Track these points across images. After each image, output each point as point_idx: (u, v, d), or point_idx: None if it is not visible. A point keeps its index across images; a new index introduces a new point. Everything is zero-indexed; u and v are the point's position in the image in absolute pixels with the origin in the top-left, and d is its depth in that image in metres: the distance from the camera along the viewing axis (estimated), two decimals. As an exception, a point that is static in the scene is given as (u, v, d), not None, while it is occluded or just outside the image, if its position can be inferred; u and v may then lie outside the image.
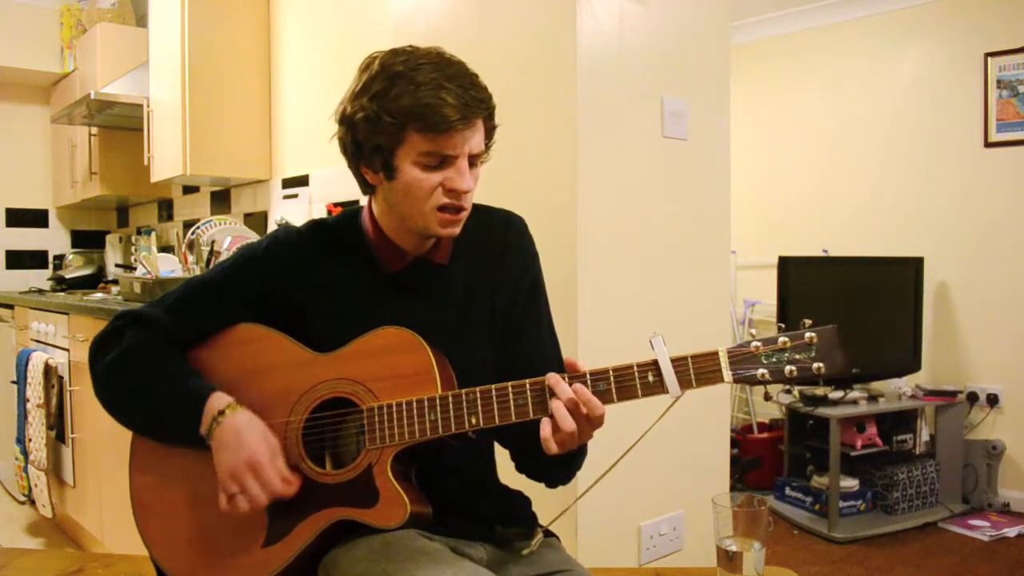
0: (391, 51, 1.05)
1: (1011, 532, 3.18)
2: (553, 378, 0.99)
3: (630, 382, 0.98)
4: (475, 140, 1.04)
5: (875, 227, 4.01)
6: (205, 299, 1.14)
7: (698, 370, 0.96)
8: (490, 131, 1.09)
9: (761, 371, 0.95)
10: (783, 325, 0.97)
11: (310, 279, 1.13)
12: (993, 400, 3.59)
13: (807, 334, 0.95)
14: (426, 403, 1.02)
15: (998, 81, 3.61)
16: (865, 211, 4.06)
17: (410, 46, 1.06)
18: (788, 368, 0.95)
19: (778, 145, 4.44)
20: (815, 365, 0.94)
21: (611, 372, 0.99)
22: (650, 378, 0.97)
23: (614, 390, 0.98)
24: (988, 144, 3.64)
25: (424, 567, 0.95)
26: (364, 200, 1.18)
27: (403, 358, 1.05)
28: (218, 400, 1.05)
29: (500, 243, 1.19)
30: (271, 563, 1.05)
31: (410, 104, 0.99)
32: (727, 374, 0.95)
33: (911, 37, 3.91)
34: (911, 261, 3.66)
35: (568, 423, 0.96)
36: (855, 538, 3.13)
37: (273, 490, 1.02)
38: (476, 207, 1.19)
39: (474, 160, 1.06)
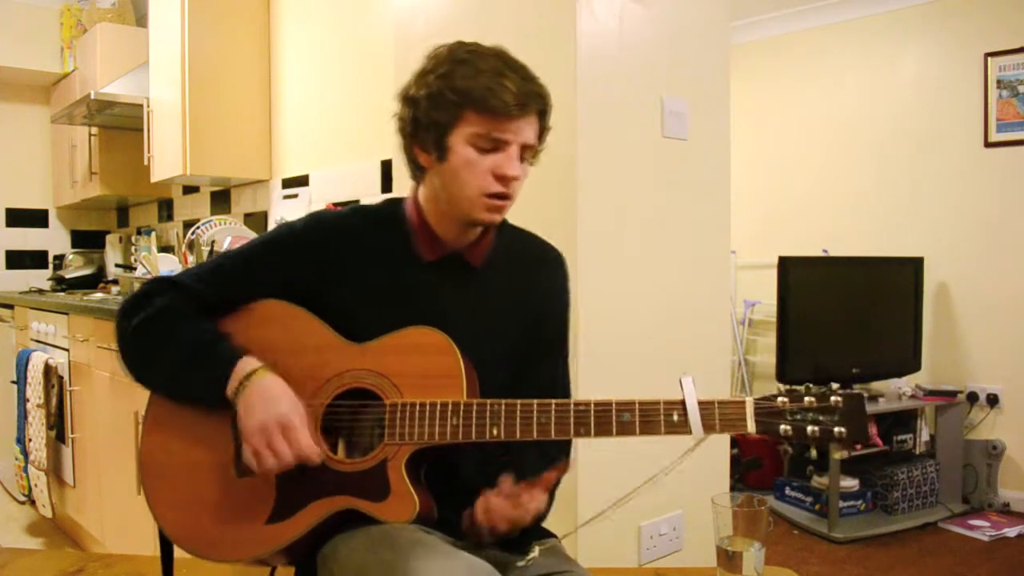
0: (459, 42, 1.11)
1: (1011, 532, 3.18)
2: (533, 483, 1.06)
3: (655, 418, 0.99)
4: (528, 131, 1.08)
5: (875, 227, 4.01)
6: (238, 272, 1.16)
7: (723, 416, 0.97)
8: (543, 131, 1.12)
9: (784, 427, 0.97)
10: (811, 385, 0.99)
11: (343, 262, 1.14)
12: (993, 400, 3.59)
13: (833, 397, 0.97)
14: (450, 407, 1.03)
15: (998, 81, 3.61)
16: (865, 211, 4.06)
17: (476, 43, 1.11)
18: (811, 428, 0.96)
19: (778, 145, 4.44)
20: (837, 429, 0.96)
21: (637, 404, 1.00)
22: (675, 417, 0.98)
23: (638, 423, 0.99)
24: (988, 144, 3.64)
25: (423, 558, 0.95)
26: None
27: (433, 359, 1.06)
28: (248, 363, 1.07)
29: (536, 270, 1.23)
30: (272, 540, 1.06)
31: (471, 86, 1.04)
32: (751, 424, 0.97)
33: (911, 37, 3.91)
34: (911, 261, 3.66)
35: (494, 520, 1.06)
36: (855, 538, 3.13)
37: (301, 450, 1.02)
38: (519, 229, 1.25)
39: (524, 154, 1.09)
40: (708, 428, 0.97)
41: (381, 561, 0.96)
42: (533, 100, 1.07)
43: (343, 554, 1.02)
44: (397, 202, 1.20)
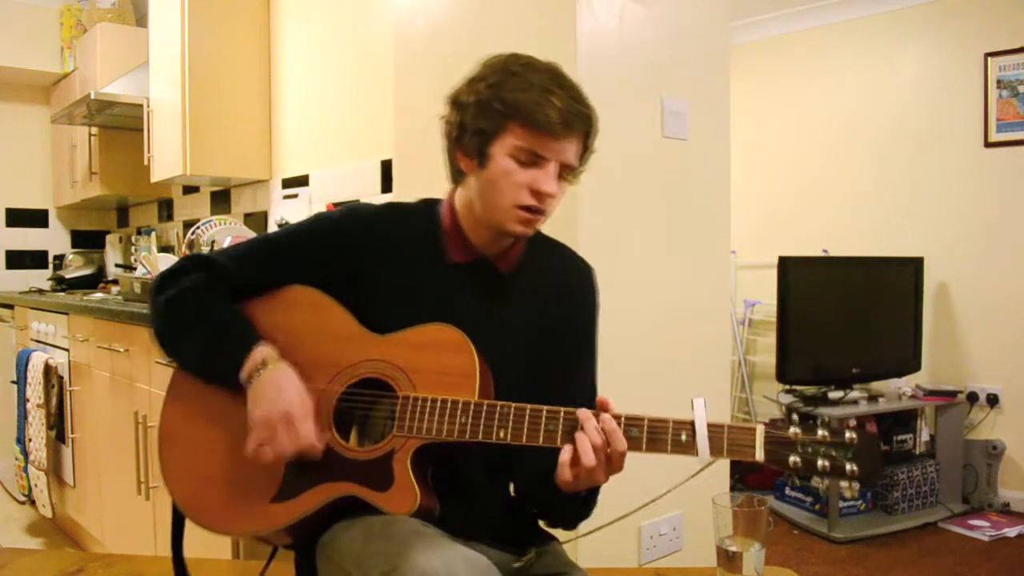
0: (514, 54, 1.12)
1: (1011, 532, 3.18)
2: (585, 414, 1.01)
3: (663, 436, 0.99)
4: (570, 151, 1.09)
5: (875, 227, 4.01)
6: (271, 256, 1.19)
7: (732, 441, 0.96)
8: (585, 153, 1.13)
9: (793, 458, 0.95)
10: (826, 419, 0.97)
11: (373, 255, 1.17)
12: (993, 400, 3.59)
13: (848, 434, 0.94)
14: (460, 406, 1.04)
15: (998, 81, 3.61)
16: (865, 211, 4.07)
17: (534, 57, 1.12)
18: (821, 463, 0.94)
19: (778, 145, 4.44)
20: (849, 467, 0.94)
21: (646, 421, 1.00)
22: (683, 437, 0.98)
23: (645, 439, 0.99)
24: (988, 144, 3.64)
25: (420, 548, 0.96)
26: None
27: (449, 357, 1.07)
28: (262, 352, 1.08)
29: (565, 281, 1.24)
30: (275, 519, 1.08)
31: (519, 99, 1.05)
32: (759, 452, 0.95)
33: (911, 37, 3.91)
34: (911, 261, 3.66)
35: (589, 458, 0.98)
36: (855, 538, 3.13)
37: (301, 444, 1.04)
38: (551, 239, 1.26)
39: (564, 172, 1.10)
40: (715, 452, 0.96)
41: (378, 551, 0.97)
42: (578, 121, 1.07)
43: (342, 542, 1.03)
44: (433, 203, 1.22)
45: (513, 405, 1.03)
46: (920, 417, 3.53)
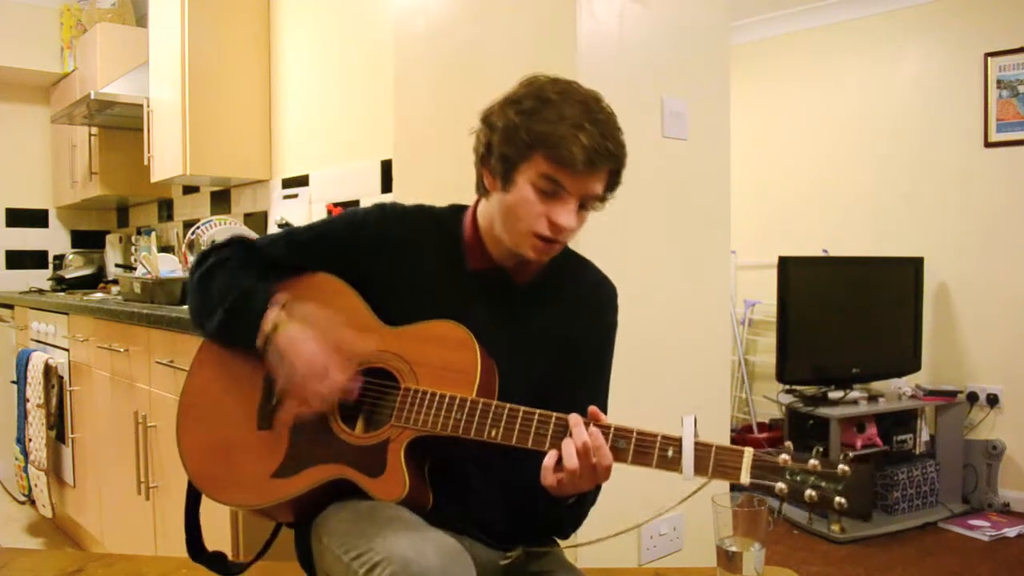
0: (554, 78, 1.12)
1: (1011, 532, 3.19)
2: (574, 419, 1.02)
3: (649, 450, 0.99)
4: (594, 186, 1.10)
5: (875, 227, 4.01)
6: (305, 244, 1.25)
7: (718, 462, 0.96)
8: (612, 183, 1.14)
9: (780, 485, 0.94)
10: (821, 448, 0.95)
11: (397, 254, 1.20)
12: (993, 400, 3.59)
13: (841, 467, 0.93)
14: (456, 401, 1.06)
15: (998, 81, 3.61)
16: (865, 211, 4.07)
17: (575, 82, 1.12)
18: (809, 492, 0.93)
19: (778, 145, 4.44)
20: (838, 499, 0.92)
21: (635, 433, 1.00)
22: (670, 453, 0.98)
23: (631, 451, 1.00)
24: (988, 144, 3.65)
25: (397, 531, 0.98)
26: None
27: (453, 353, 1.10)
28: (272, 317, 1.13)
29: (583, 298, 1.25)
30: (272, 494, 1.11)
31: (547, 131, 1.05)
32: (745, 475, 0.94)
33: (911, 37, 3.91)
34: (911, 261, 3.66)
35: (573, 463, 0.99)
36: (855, 538, 3.13)
37: (333, 389, 1.10)
38: (581, 259, 1.28)
39: (586, 203, 1.12)
40: (700, 471, 0.95)
41: (362, 532, 0.99)
42: (603, 159, 1.07)
43: (331, 522, 1.06)
44: (460, 209, 1.25)
45: (508, 405, 1.04)
46: (920, 417, 3.53)
